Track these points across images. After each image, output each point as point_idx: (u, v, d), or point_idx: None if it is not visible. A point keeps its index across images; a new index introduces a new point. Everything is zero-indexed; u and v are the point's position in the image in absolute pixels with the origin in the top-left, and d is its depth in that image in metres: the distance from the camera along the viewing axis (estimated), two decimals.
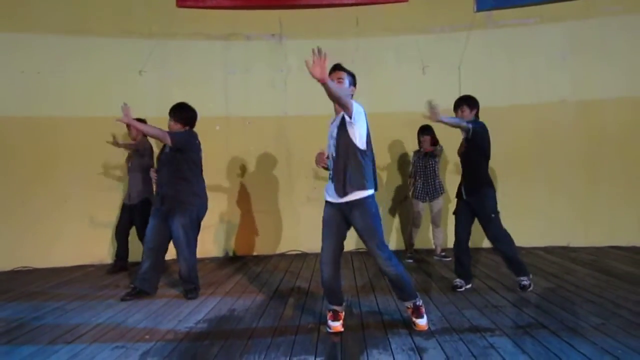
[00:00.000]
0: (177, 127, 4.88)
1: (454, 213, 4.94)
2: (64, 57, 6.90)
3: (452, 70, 7.25)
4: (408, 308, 3.73)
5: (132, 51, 7.10)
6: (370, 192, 3.60)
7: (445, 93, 7.21)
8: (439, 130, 6.31)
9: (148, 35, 7.11)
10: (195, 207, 4.86)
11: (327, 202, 3.71)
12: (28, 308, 4.63)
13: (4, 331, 3.94)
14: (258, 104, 7.38)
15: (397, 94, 7.22)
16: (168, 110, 4.95)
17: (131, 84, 7.02)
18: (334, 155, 3.63)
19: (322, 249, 3.71)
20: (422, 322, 3.66)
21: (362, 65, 7.13)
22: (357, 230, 3.66)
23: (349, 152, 3.56)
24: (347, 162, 3.56)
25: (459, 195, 4.87)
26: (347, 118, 3.49)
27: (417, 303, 3.71)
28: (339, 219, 3.68)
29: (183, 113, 4.94)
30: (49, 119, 6.80)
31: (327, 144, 3.75)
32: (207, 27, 7.29)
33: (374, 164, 3.70)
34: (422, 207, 6.50)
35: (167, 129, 4.84)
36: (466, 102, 4.81)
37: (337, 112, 3.70)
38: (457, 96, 7.10)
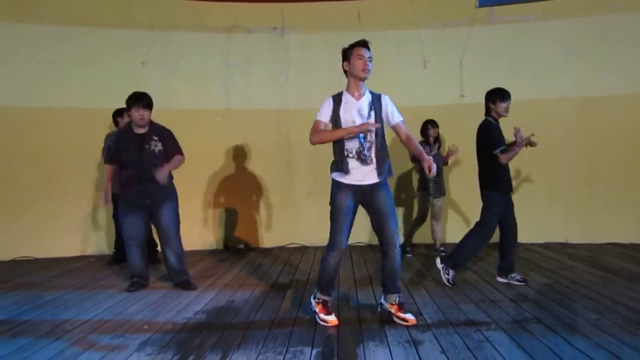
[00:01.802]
0: (148, 114, 4.70)
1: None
2: (65, 48, 6.90)
3: (453, 65, 7.24)
4: (392, 305, 3.71)
5: (134, 43, 7.10)
6: None
7: (447, 88, 7.28)
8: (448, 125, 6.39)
9: (150, 27, 7.11)
10: (177, 197, 4.92)
11: (345, 186, 3.64)
12: (27, 298, 4.65)
13: (1, 321, 3.96)
14: (259, 97, 7.38)
15: (398, 88, 7.14)
16: (134, 99, 4.65)
17: (133, 75, 7.01)
18: (369, 135, 3.62)
19: (338, 234, 3.62)
20: (412, 317, 3.67)
21: None
22: (377, 211, 3.64)
23: (383, 134, 3.69)
24: (383, 144, 3.67)
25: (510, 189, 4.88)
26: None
27: (401, 298, 3.76)
28: (355, 204, 3.69)
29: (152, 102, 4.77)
30: (50, 110, 6.81)
31: (348, 121, 3.63)
32: (209, 19, 7.29)
33: None
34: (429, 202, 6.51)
35: (149, 118, 4.76)
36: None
37: (355, 89, 3.69)
38: (458, 92, 7.24)
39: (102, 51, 7.00)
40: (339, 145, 3.66)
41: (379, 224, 3.68)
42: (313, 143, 3.67)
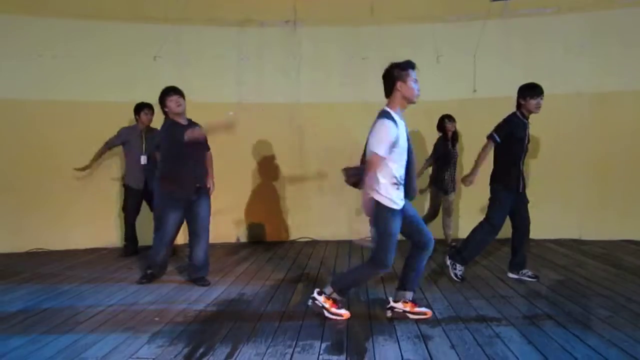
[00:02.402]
0: (184, 102, 4.80)
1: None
2: (79, 41, 6.94)
3: (467, 59, 7.18)
4: (406, 303, 3.71)
5: (147, 36, 7.12)
6: None
7: (460, 82, 7.23)
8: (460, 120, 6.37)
9: (163, 21, 7.12)
10: None
11: (398, 212, 3.57)
12: (41, 289, 4.72)
13: (16, 312, 4.01)
14: (271, 90, 7.38)
15: None
16: (167, 91, 4.77)
17: (145, 69, 7.06)
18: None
19: (390, 256, 3.55)
20: (427, 309, 3.72)
21: (376, 53, 7.16)
22: (411, 218, 3.66)
23: None
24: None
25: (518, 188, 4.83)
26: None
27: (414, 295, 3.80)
28: None
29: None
30: (64, 103, 6.85)
31: (403, 145, 3.59)
32: (222, 13, 7.28)
33: None
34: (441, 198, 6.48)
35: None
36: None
37: (402, 110, 3.65)
38: (471, 86, 7.18)
39: (115, 45, 7.03)
40: (390, 175, 3.55)
41: (415, 227, 3.68)
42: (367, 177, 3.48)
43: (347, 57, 7.39)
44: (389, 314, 3.75)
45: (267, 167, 7.43)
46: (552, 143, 7.00)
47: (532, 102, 4.64)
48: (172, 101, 4.65)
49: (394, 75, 3.55)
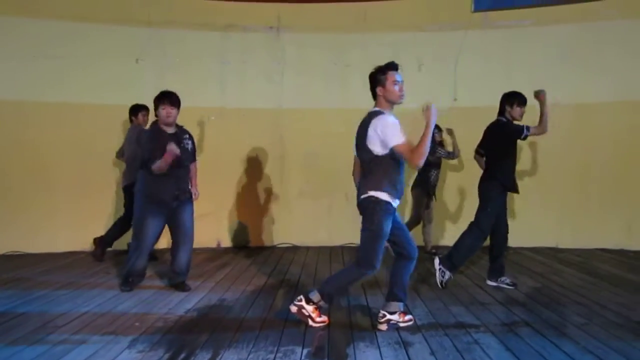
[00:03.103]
0: (176, 112, 4.64)
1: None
2: (60, 42, 6.87)
3: (448, 68, 7.29)
4: (402, 313, 3.68)
5: (129, 39, 7.09)
6: None
7: (441, 91, 7.32)
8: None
9: (146, 24, 7.10)
10: None
11: (393, 210, 3.58)
12: (17, 293, 4.64)
13: None
14: (254, 95, 7.40)
15: None
16: (160, 98, 4.60)
17: (128, 71, 7.04)
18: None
19: (379, 258, 3.55)
20: (409, 316, 3.74)
21: (359, 60, 7.21)
22: (398, 225, 3.66)
23: None
24: None
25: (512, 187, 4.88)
26: None
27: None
28: None
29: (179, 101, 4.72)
30: (46, 105, 6.78)
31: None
32: (205, 17, 7.28)
33: None
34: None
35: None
36: None
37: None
38: (452, 95, 7.27)
39: (97, 47, 6.98)
40: (397, 168, 3.58)
41: (401, 235, 3.69)
42: (421, 160, 3.41)
43: (330, 64, 7.44)
44: (384, 327, 3.63)
45: (249, 172, 7.43)
46: (530, 153, 7.14)
47: (519, 110, 4.77)
48: (163, 110, 4.53)
49: (375, 80, 3.59)
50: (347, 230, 3.85)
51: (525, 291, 4.69)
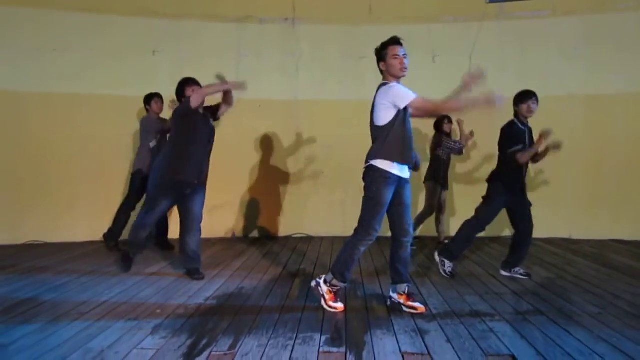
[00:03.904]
0: None
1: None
2: (79, 35, 6.99)
3: (463, 60, 7.28)
4: (401, 295, 3.83)
5: (146, 30, 7.18)
6: None
7: (455, 83, 7.20)
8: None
9: (163, 15, 7.18)
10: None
11: (392, 179, 3.69)
12: (41, 281, 4.76)
13: (18, 303, 4.06)
14: (269, 87, 7.44)
15: (406, 81, 7.19)
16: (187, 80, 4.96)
17: (144, 63, 7.14)
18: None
19: (377, 227, 3.71)
20: (420, 305, 3.80)
21: (373, 53, 7.20)
22: (403, 203, 3.76)
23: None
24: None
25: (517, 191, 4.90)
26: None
27: (410, 289, 3.90)
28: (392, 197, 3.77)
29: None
30: (63, 96, 6.91)
31: (408, 126, 3.76)
32: (222, 9, 7.35)
33: None
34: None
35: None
36: (537, 97, 4.80)
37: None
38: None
39: (114, 39, 7.08)
40: (404, 134, 3.70)
41: (398, 214, 3.80)
42: (450, 109, 3.79)
43: (345, 56, 7.47)
44: (388, 302, 3.93)
45: (264, 163, 7.51)
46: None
47: (523, 107, 4.77)
48: (190, 89, 4.83)
49: (378, 57, 3.79)
50: (353, 218, 3.91)
51: (539, 281, 4.73)
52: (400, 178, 3.73)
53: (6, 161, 6.80)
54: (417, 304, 3.80)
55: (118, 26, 7.07)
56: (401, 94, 3.61)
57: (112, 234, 6.34)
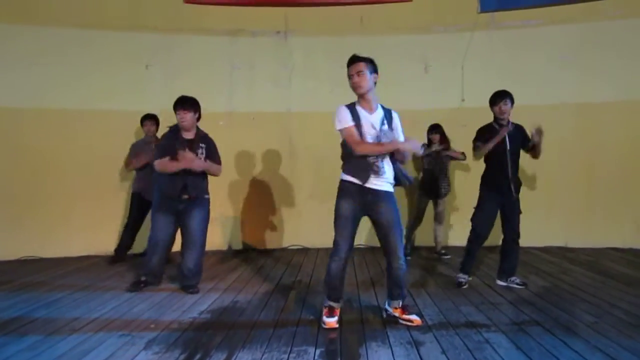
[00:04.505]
0: (191, 116, 4.77)
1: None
2: (71, 50, 6.98)
3: (454, 70, 7.33)
4: (396, 309, 3.82)
5: (138, 45, 7.18)
6: None
7: (448, 92, 7.36)
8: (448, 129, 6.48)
9: (154, 30, 7.18)
10: (209, 208, 4.98)
11: (350, 189, 3.71)
12: (35, 297, 4.72)
13: (10, 319, 4.02)
14: (262, 100, 7.46)
15: (399, 92, 7.21)
16: (176, 103, 4.78)
17: (137, 77, 7.13)
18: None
19: (340, 240, 3.71)
20: (417, 318, 3.77)
21: None
22: (385, 221, 3.70)
23: None
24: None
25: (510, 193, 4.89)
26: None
27: (405, 302, 3.87)
28: (359, 210, 3.73)
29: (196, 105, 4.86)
30: (57, 111, 6.89)
31: (365, 133, 3.71)
32: (213, 22, 7.36)
33: None
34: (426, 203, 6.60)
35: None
36: (510, 97, 4.87)
37: (365, 104, 3.78)
38: (459, 96, 7.31)
39: (107, 54, 7.07)
40: (357, 157, 3.69)
41: (381, 236, 3.79)
42: (360, 153, 3.65)
43: (337, 67, 7.40)
44: (384, 314, 3.92)
45: (258, 176, 7.50)
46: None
47: (495, 109, 4.87)
48: (178, 115, 4.74)
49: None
50: (357, 231, 3.89)
51: (535, 290, 4.72)
52: (361, 187, 3.69)
53: (1, 176, 6.76)
54: (412, 317, 3.77)
55: (111, 41, 7.06)
56: (337, 118, 3.75)
57: (117, 254, 6.41)
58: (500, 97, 4.84)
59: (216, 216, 7.14)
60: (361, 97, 3.77)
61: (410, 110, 6.39)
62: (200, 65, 7.37)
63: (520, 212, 4.94)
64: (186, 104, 4.73)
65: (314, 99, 7.43)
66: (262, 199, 7.50)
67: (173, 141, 4.72)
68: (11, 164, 6.81)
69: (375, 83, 3.79)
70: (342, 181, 3.78)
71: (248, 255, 6.99)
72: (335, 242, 3.76)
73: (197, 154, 4.75)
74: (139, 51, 7.19)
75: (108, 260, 6.38)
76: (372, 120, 3.73)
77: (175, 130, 4.82)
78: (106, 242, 6.97)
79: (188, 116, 4.72)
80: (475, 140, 4.91)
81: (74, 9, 7.01)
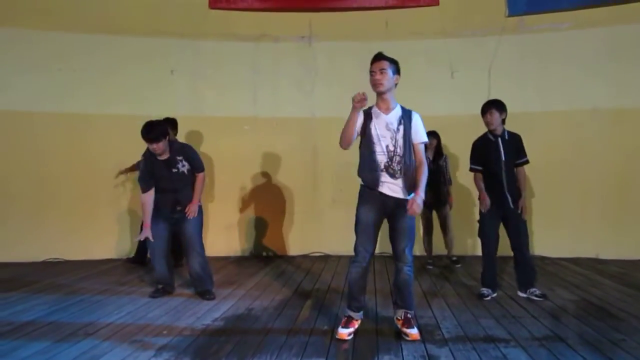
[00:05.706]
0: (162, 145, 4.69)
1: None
2: (98, 56, 7.11)
3: (481, 75, 7.17)
4: (399, 320, 3.71)
5: (164, 51, 7.26)
6: None
7: (474, 98, 7.11)
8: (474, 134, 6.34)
9: (180, 36, 7.24)
10: (202, 210, 5.03)
11: (368, 195, 3.66)
12: (53, 300, 4.78)
13: (26, 322, 4.07)
14: (286, 105, 7.44)
15: (425, 98, 7.12)
16: (146, 136, 4.63)
17: (163, 83, 7.20)
18: (398, 149, 3.60)
19: (359, 246, 3.65)
20: (414, 332, 3.60)
21: None
22: (396, 228, 3.64)
23: (411, 150, 3.65)
24: (411, 159, 3.63)
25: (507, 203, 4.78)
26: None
27: (410, 314, 3.71)
28: (379, 215, 3.67)
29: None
30: (83, 116, 7.02)
31: (377, 135, 3.64)
32: (238, 28, 7.38)
33: None
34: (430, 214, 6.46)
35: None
36: (495, 106, 4.75)
37: (382, 104, 3.71)
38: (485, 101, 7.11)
39: (132, 59, 7.18)
40: (369, 158, 3.64)
41: (392, 239, 3.70)
42: (342, 146, 3.69)
43: (361, 72, 7.35)
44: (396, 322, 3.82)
45: (281, 181, 7.47)
46: (568, 160, 6.93)
47: (484, 121, 4.81)
48: (150, 147, 4.71)
49: None
50: (379, 239, 3.81)
51: (560, 304, 4.53)
52: (377, 193, 3.61)
53: (24, 179, 6.92)
54: (409, 330, 3.59)
55: (136, 46, 7.16)
56: None
57: (137, 258, 6.51)
58: (486, 107, 4.79)
59: (237, 221, 7.19)
60: (379, 96, 3.69)
61: (436, 116, 6.29)
62: (225, 70, 7.40)
63: (524, 221, 4.79)
64: (151, 136, 4.61)
65: (338, 104, 7.29)
66: (284, 205, 7.47)
67: (152, 166, 4.77)
68: (36, 166, 6.95)
69: (396, 85, 3.72)
70: (360, 186, 3.76)
71: (268, 261, 6.96)
72: (355, 248, 3.71)
73: (177, 169, 4.77)
74: (164, 56, 7.27)
75: (127, 260, 6.44)
76: (387, 119, 3.64)
77: (149, 155, 4.81)
78: (127, 246, 7.06)
79: (160, 146, 4.65)
80: (471, 160, 4.92)
81: (100, 14, 7.13)
